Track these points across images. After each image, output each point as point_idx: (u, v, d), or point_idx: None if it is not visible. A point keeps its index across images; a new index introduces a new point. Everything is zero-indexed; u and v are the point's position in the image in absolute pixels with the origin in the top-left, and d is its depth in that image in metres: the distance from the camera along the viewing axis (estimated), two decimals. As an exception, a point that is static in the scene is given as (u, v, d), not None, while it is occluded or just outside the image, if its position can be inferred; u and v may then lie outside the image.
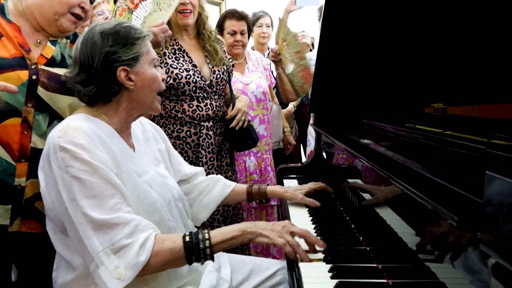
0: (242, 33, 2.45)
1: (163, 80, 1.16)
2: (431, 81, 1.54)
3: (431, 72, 1.52)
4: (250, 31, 2.61)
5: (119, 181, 1.00)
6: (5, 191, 1.19)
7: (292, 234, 1.04)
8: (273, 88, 2.80)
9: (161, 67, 1.20)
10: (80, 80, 1.08)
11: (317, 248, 1.06)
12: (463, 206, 0.62)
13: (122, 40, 1.07)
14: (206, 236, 0.99)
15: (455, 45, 1.38)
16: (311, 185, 1.52)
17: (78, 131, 0.99)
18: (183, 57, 1.85)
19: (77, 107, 1.26)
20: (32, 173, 1.22)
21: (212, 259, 1.01)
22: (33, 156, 1.21)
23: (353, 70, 1.65)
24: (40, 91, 1.22)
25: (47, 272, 1.17)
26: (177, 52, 1.86)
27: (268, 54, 2.86)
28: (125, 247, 0.92)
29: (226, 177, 1.89)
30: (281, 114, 2.84)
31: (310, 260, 1.01)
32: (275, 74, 2.80)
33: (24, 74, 1.19)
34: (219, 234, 1.01)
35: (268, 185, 1.48)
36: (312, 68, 2.36)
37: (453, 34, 1.36)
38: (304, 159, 3.14)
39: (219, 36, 2.06)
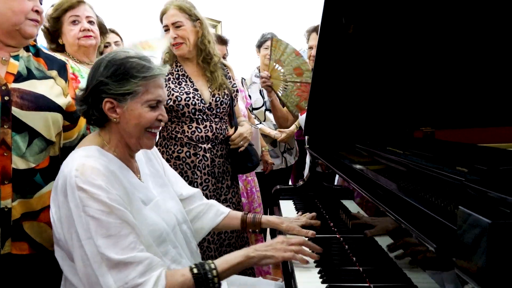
0: (223, 57, 2.57)
1: (159, 120, 1.15)
2: (421, 106, 1.63)
3: (420, 98, 1.61)
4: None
5: (133, 219, 1.04)
6: None
7: (292, 245, 1.14)
8: (251, 110, 2.88)
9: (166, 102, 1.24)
10: (78, 97, 1.15)
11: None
12: (441, 232, 0.69)
13: (120, 75, 1.09)
14: (212, 266, 1.06)
15: (443, 72, 1.47)
16: (308, 219, 1.45)
17: (95, 171, 1.02)
18: (186, 81, 1.93)
19: (57, 121, 1.28)
20: (17, 194, 1.22)
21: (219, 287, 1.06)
22: (15, 177, 1.21)
23: (346, 95, 1.73)
24: (15, 111, 1.20)
25: None
26: (180, 77, 1.94)
27: None
28: (138, 286, 0.96)
29: (225, 199, 1.95)
30: (259, 135, 2.87)
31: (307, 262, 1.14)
32: (251, 95, 2.90)
33: None
34: (224, 262, 1.08)
35: (258, 212, 1.53)
36: None
37: (444, 61, 1.45)
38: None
39: (226, 62, 2.14)
